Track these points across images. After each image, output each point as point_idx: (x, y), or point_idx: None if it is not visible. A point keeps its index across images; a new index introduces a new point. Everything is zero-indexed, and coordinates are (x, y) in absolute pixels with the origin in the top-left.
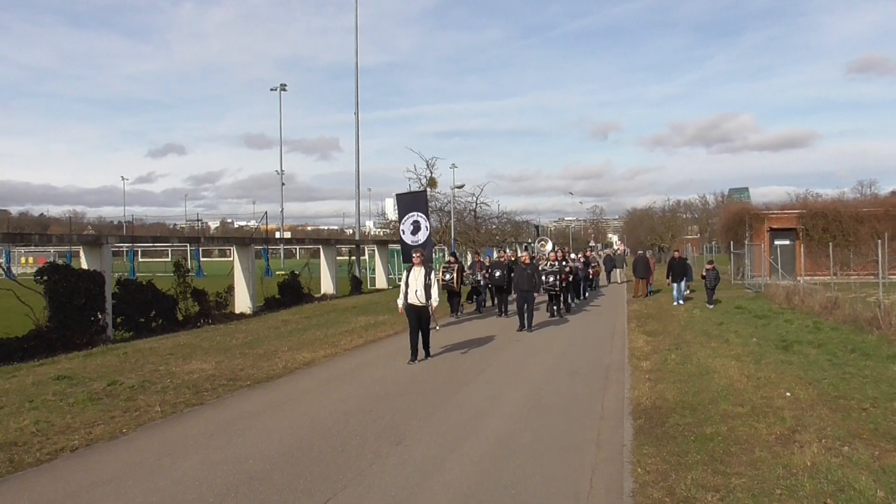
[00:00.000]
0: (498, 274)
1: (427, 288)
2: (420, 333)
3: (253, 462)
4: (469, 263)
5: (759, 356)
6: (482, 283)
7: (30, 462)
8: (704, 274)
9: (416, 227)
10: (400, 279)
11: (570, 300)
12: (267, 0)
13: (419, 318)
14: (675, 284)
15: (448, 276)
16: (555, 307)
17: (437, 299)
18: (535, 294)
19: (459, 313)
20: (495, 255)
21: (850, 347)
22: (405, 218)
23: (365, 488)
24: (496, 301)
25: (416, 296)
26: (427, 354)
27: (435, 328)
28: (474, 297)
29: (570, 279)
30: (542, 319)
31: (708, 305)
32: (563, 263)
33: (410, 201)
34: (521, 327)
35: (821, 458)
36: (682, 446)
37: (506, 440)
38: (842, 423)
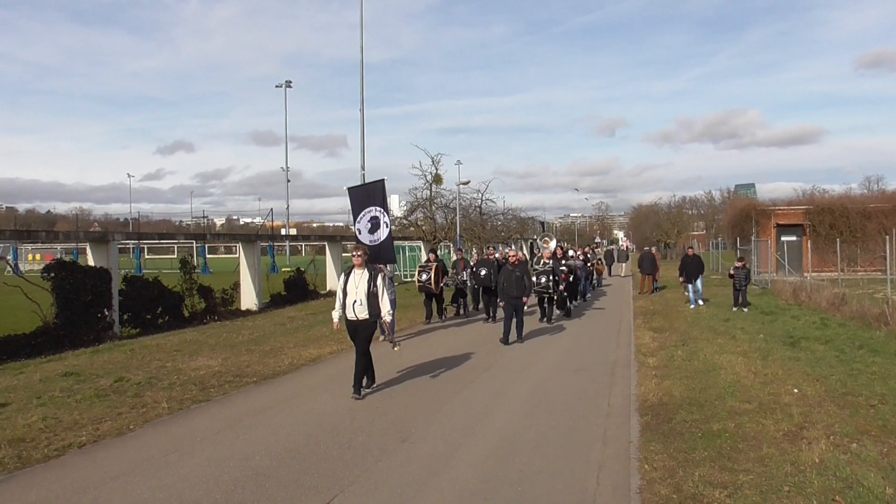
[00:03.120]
0: (484, 273)
1: (372, 297)
2: (359, 357)
3: (259, 458)
4: (452, 261)
5: (766, 352)
6: (468, 283)
7: (38, 458)
8: (733, 272)
9: (375, 225)
10: (413, 276)
11: (569, 303)
12: None
13: (357, 338)
14: (689, 285)
15: (425, 277)
16: (546, 313)
17: (390, 312)
18: (525, 300)
19: (444, 317)
20: (505, 251)
21: (857, 344)
22: (361, 214)
23: (372, 485)
24: (483, 304)
25: (353, 308)
26: (364, 385)
27: (394, 349)
28: (459, 299)
29: (570, 279)
30: (534, 326)
31: (742, 309)
32: (562, 262)
33: (365, 194)
34: (506, 340)
35: (829, 454)
36: (690, 443)
37: (511, 437)
38: (850, 419)
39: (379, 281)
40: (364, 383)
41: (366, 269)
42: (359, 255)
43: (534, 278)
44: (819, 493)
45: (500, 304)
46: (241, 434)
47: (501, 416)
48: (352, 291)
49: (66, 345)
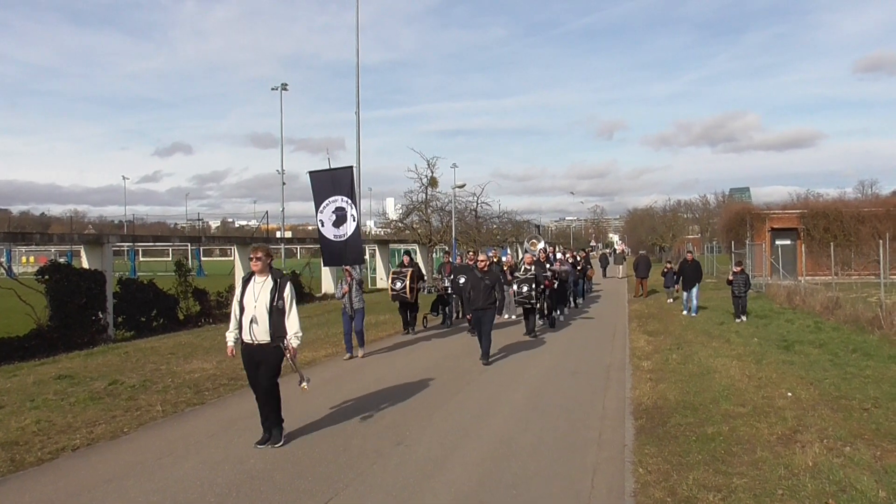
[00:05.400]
0: (463, 280)
1: (277, 314)
2: (262, 393)
3: (254, 461)
4: (437, 266)
5: (760, 356)
6: (450, 290)
7: (31, 461)
8: (731, 278)
9: (341, 217)
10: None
11: (555, 312)
12: None
13: (256, 368)
14: (685, 292)
15: (399, 285)
16: (531, 324)
17: (300, 335)
18: (498, 314)
19: (425, 326)
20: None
21: (851, 347)
22: (324, 204)
23: (366, 488)
24: (464, 314)
25: (251, 329)
26: (276, 435)
27: (301, 385)
28: (441, 307)
29: (556, 286)
30: (517, 339)
31: (740, 318)
32: (548, 266)
33: (329, 181)
34: (485, 357)
35: (822, 458)
36: (684, 446)
37: (506, 440)
38: (843, 423)
39: (287, 292)
40: (268, 437)
41: (269, 277)
42: (258, 258)
43: (514, 287)
44: (812, 497)
45: (467, 316)
46: (236, 437)
47: (496, 420)
48: (249, 305)
49: (59, 347)
